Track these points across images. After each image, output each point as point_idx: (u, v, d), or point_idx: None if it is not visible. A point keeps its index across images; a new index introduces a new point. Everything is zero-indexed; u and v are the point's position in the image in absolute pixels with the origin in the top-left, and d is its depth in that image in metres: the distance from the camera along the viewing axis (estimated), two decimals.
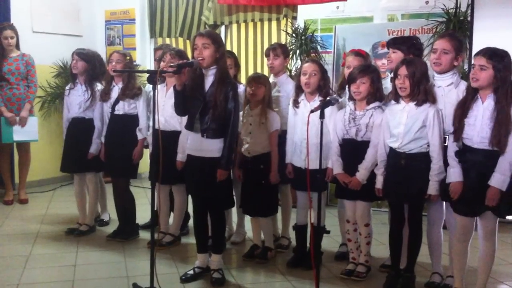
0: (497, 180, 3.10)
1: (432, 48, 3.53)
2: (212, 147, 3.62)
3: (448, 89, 3.48)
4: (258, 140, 4.05)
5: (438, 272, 3.71)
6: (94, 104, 4.74)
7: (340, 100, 3.86)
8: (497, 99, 3.10)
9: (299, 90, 4.00)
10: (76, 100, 4.78)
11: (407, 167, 3.47)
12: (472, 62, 3.19)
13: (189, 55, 6.44)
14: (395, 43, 3.86)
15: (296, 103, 4.00)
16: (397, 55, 3.78)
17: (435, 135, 3.40)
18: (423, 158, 3.45)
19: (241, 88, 4.43)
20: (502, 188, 3.10)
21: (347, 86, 3.81)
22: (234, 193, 4.20)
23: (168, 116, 4.23)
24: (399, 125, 3.48)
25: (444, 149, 3.38)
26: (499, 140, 3.06)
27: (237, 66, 4.58)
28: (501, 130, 3.06)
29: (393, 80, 3.55)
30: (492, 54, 3.11)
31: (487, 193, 3.13)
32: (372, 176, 3.68)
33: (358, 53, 4.14)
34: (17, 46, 5.88)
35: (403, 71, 3.43)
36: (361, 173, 3.68)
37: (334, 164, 3.80)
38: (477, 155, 3.17)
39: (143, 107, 4.56)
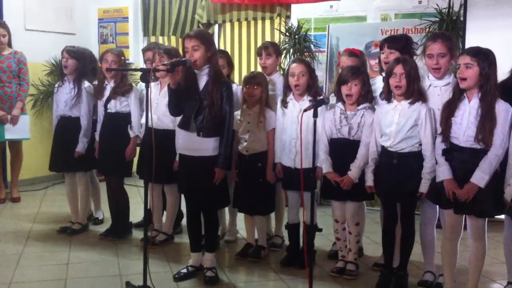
0: (477, 178, 3.13)
1: (426, 53, 3.49)
2: (207, 146, 3.62)
3: (444, 89, 3.48)
4: (256, 138, 4.06)
5: (431, 271, 3.72)
6: (81, 102, 4.71)
7: (334, 101, 3.88)
8: (482, 96, 3.13)
9: (287, 90, 4.00)
10: (63, 98, 4.76)
11: (399, 166, 3.49)
12: (458, 61, 3.21)
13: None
14: (393, 42, 3.81)
15: (284, 103, 4.00)
16: (395, 56, 3.71)
17: (427, 134, 3.41)
18: (415, 157, 3.46)
19: (234, 88, 4.43)
20: (480, 185, 3.13)
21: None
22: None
23: (161, 115, 4.22)
24: (391, 124, 3.49)
25: None
26: (485, 136, 3.09)
27: (230, 65, 4.56)
28: (486, 127, 3.09)
29: (385, 79, 3.56)
30: (476, 52, 3.15)
31: (463, 187, 3.16)
32: (361, 175, 3.69)
33: (352, 53, 4.15)
34: (9, 44, 5.84)
35: (399, 69, 3.44)
36: (354, 172, 3.69)
37: (324, 163, 3.81)
38: (463, 153, 3.20)
39: (134, 105, 4.54)
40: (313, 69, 4.03)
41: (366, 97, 3.72)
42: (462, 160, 3.21)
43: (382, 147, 3.57)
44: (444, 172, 3.27)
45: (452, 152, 3.25)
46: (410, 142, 3.46)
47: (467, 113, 3.17)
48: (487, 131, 3.09)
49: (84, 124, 4.71)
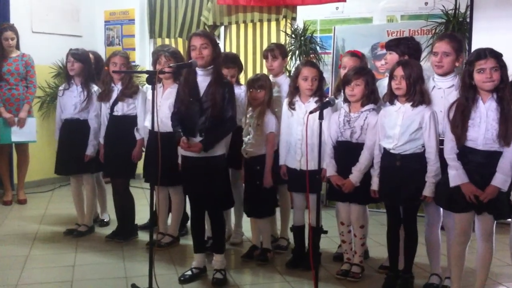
0: (500, 180, 3.09)
1: (432, 51, 3.52)
2: None
3: (448, 91, 3.47)
4: (255, 141, 4.06)
5: (436, 273, 3.70)
6: (90, 105, 4.73)
7: (336, 101, 3.87)
8: (501, 98, 3.09)
9: (294, 91, 3.99)
10: (71, 101, 4.76)
11: (402, 168, 3.47)
12: (481, 66, 3.09)
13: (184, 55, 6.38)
14: (390, 45, 3.90)
15: (291, 105, 3.99)
16: (392, 57, 3.82)
17: (431, 137, 3.39)
18: (418, 159, 3.45)
19: (241, 89, 4.42)
20: (503, 188, 3.10)
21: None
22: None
23: (164, 117, 4.19)
24: (395, 127, 3.48)
25: (440, 150, 3.37)
26: (507, 137, 3.05)
27: (240, 70, 4.54)
28: (508, 128, 3.05)
29: (388, 81, 3.55)
30: (497, 55, 3.11)
31: (485, 189, 3.12)
32: (366, 178, 3.68)
33: (353, 54, 4.15)
34: (17, 46, 5.87)
35: (399, 72, 3.43)
36: (355, 175, 3.68)
37: (328, 166, 3.80)
38: (479, 156, 3.15)
39: (141, 107, 4.55)
40: (321, 71, 4.04)
41: (369, 97, 3.71)
42: (478, 163, 3.15)
43: (384, 149, 3.55)
44: (460, 176, 3.19)
45: (467, 156, 3.19)
46: (413, 144, 3.44)
47: (485, 116, 3.12)
48: (510, 132, 3.05)
49: (94, 127, 4.72)
